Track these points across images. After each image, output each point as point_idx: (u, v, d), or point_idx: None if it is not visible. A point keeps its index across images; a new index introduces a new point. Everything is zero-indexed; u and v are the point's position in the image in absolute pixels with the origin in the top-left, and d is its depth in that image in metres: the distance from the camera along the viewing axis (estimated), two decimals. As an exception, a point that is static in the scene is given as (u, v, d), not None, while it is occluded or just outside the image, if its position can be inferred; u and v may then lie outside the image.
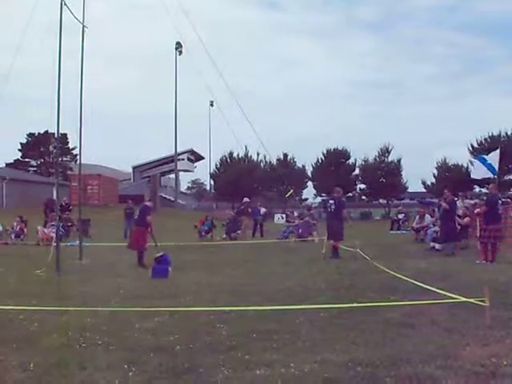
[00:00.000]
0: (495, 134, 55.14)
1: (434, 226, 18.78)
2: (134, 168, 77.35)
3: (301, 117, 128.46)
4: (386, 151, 59.70)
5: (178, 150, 62.45)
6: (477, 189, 51.65)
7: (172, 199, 64.98)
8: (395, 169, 59.36)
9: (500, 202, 14.66)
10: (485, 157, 22.04)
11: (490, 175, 20.85)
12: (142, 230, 14.71)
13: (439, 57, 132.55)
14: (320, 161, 61.22)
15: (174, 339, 6.58)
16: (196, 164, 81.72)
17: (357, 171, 61.10)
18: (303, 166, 63.08)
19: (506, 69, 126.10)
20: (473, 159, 22.02)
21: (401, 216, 29.73)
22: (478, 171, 21.36)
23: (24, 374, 5.31)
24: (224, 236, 24.87)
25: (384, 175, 58.80)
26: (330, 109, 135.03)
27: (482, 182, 49.05)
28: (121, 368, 5.48)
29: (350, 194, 64.31)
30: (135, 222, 15.40)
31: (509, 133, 54.77)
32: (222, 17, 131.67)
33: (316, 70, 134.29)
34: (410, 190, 62.61)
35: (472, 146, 56.03)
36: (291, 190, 27.64)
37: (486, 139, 55.33)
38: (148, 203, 15.71)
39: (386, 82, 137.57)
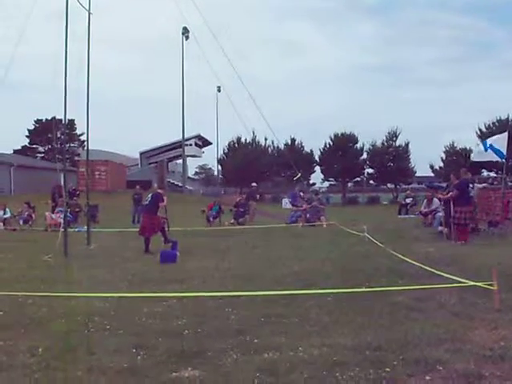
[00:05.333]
0: (503, 117, 54.73)
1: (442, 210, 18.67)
2: (142, 154, 77.21)
3: (307, 102, 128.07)
4: (393, 135, 59.45)
5: (186, 136, 62.23)
6: (484, 173, 51.43)
7: (180, 185, 64.95)
8: (403, 153, 59.12)
9: (471, 185, 15.29)
10: (487, 141, 21.85)
11: (493, 158, 20.55)
12: (153, 216, 14.67)
13: (446, 40, 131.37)
14: (328, 145, 60.96)
15: (182, 323, 6.60)
16: (204, 149, 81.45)
17: (364, 156, 60.87)
18: (311, 151, 62.86)
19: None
20: (479, 142, 21.98)
21: (409, 200, 29.50)
22: (480, 155, 21.22)
23: (33, 358, 5.33)
24: (232, 221, 24.89)
25: (392, 159, 58.63)
26: (336, 94, 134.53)
27: (490, 166, 48.88)
28: (129, 352, 5.51)
29: (358, 179, 64.26)
30: (145, 209, 15.28)
31: (517, 117, 54.33)
32: (223, 0, 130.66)
33: (320, 55, 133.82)
34: (418, 175, 62.50)
35: (480, 129, 55.66)
36: (299, 174, 27.43)
37: (494, 123, 54.91)
38: (160, 191, 15.63)
39: (391, 66, 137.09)
